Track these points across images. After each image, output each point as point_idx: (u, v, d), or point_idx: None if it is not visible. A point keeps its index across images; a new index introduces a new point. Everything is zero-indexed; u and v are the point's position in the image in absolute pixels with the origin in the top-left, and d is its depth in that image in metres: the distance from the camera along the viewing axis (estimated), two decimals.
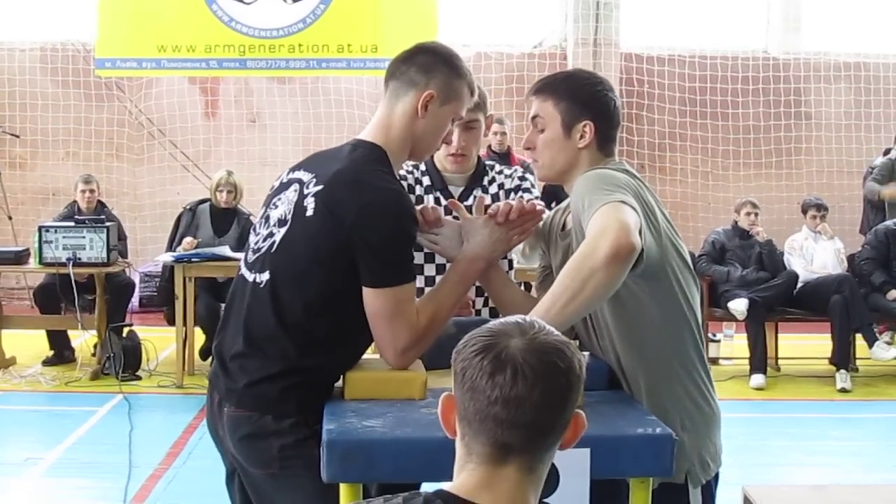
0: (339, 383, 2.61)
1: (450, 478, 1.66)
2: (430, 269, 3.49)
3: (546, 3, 11.96)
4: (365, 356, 2.72)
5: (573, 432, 1.65)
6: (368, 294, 2.52)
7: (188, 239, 7.99)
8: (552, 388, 1.59)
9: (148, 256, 10.43)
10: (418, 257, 3.47)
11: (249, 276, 2.66)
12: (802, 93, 11.90)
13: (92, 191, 8.63)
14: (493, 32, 11.68)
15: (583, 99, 2.73)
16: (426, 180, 3.55)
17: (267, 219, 2.70)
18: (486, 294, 3.40)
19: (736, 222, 8.60)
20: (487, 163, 3.66)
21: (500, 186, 3.58)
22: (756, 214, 8.55)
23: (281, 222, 2.62)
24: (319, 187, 2.56)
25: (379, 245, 2.50)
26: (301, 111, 11.55)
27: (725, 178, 11.89)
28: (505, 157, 8.58)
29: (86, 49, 11.28)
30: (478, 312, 3.47)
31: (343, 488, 2.32)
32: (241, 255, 2.82)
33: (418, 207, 2.75)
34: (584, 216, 2.47)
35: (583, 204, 2.48)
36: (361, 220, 2.48)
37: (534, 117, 2.78)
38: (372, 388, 2.56)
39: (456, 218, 2.84)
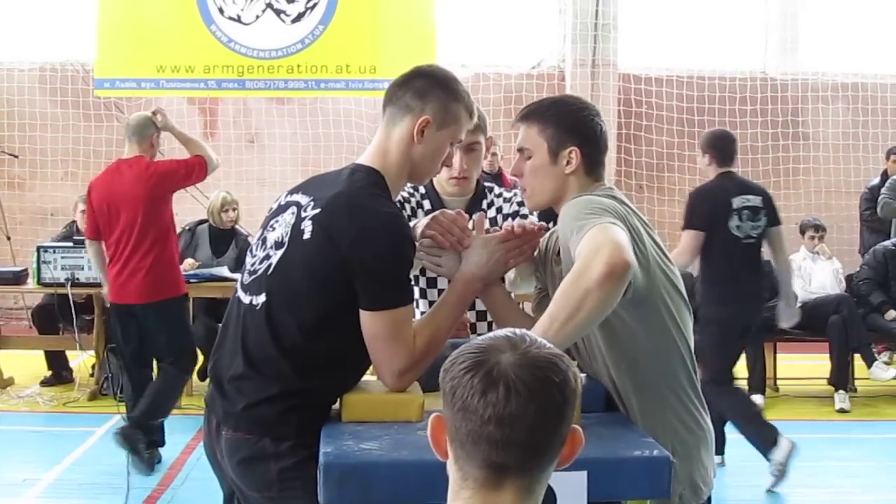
0: (337, 405, 2.61)
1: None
2: (433, 294, 3.46)
3: (544, 23, 11.99)
4: (363, 378, 2.72)
5: (570, 449, 1.57)
6: (365, 317, 2.52)
7: (189, 260, 7.99)
8: (547, 403, 1.51)
9: None
10: (422, 281, 3.47)
11: (246, 299, 2.66)
12: (800, 113, 11.92)
13: None
14: (492, 53, 11.70)
15: (568, 125, 2.71)
16: (427, 204, 3.52)
17: (264, 241, 2.69)
18: (489, 319, 3.36)
19: None
20: (486, 185, 3.63)
21: (499, 210, 3.55)
22: None
23: (278, 245, 2.62)
24: (317, 211, 2.56)
25: (376, 268, 2.49)
26: (300, 132, 11.55)
27: None
28: (496, 178, 8.59)
29: (85, 69, 11.29)
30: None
31: None
32: (239, 276, 2.81)
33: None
34: (572, 241, 2.45)
35: (571, 230, 2.47)
36: (358, 243, 2.48)
37: (520, 145, 2.76)
38: (369, 411, 2.56)
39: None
